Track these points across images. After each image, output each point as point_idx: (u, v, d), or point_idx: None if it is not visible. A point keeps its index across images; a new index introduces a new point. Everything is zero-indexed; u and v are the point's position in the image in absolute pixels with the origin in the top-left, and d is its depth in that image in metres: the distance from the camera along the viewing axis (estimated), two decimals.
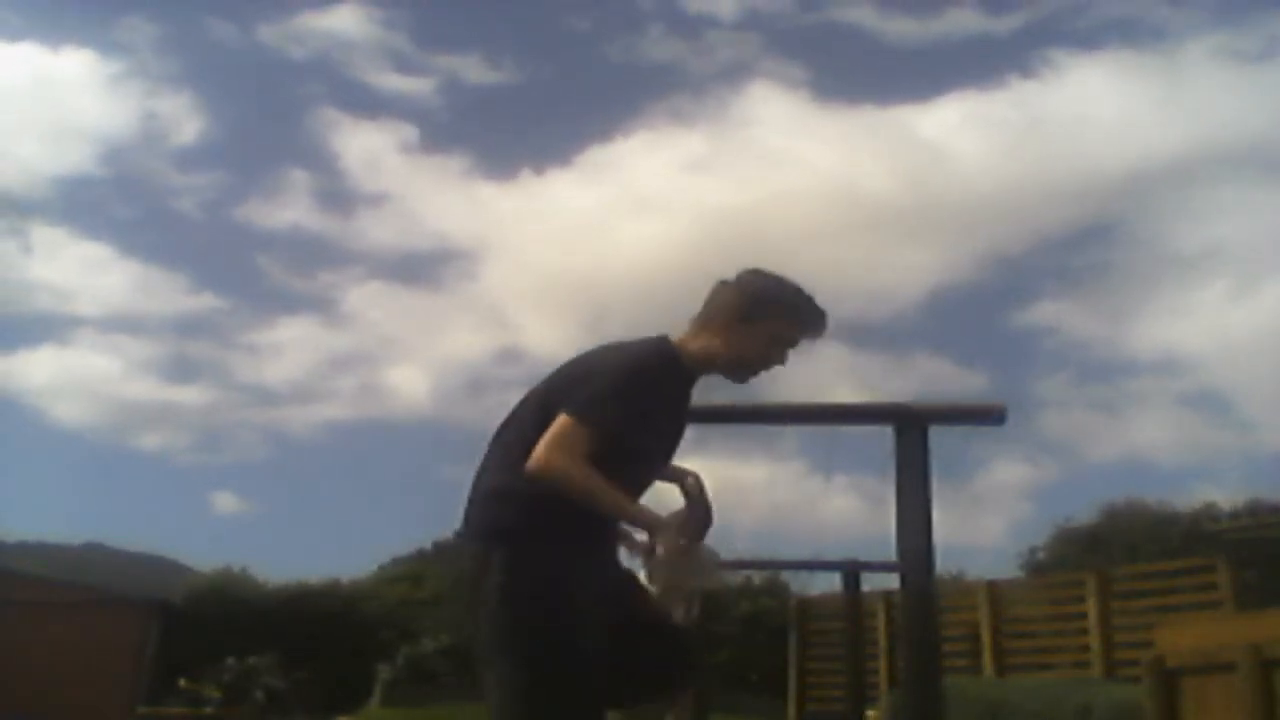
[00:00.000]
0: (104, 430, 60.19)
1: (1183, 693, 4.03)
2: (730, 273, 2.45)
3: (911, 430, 2.67)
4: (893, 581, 4.64)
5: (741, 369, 2.40)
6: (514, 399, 2.39)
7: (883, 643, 10.13)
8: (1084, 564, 14.49)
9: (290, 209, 58.98)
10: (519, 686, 2.13)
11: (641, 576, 2.35)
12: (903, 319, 46.85)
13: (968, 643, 9.77)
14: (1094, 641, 8.61)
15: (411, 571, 25.69)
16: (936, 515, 2.62)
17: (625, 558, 2.45)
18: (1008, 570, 21.28)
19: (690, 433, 2.50)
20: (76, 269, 59.16)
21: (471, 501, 2.32)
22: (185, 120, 62.95)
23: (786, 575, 19.79)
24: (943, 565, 2.69)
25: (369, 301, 54.05)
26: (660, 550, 2.16)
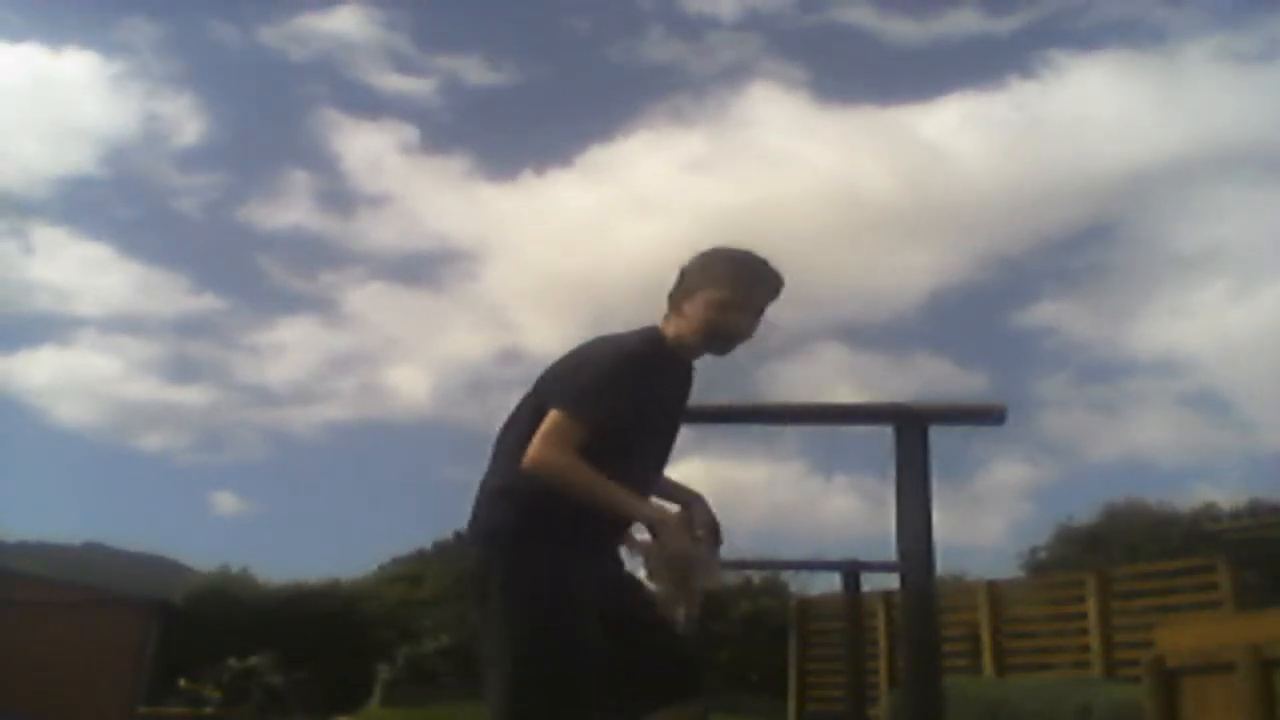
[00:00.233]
0: (104, 430, 60.25)
1: (1183, 693, 4.03)
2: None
3: (911, 430, 2.67)
4: (893, 581, 4.63)
5: (707, 342, 2.38)
6: (514, 399, 2.40)
7: (883, 643, 10.11)
8: (1084, 564, 14.48)
9: (291, 210, 58.99)
10: (517, 685, 2.14)
11: (642, 575, 2.35)
12: (903, 319, 46.86)
13: (968, 643, 9.76)
14: (1094, 641, 8.60)
15: (411, 571, 25.72)
16: (936, 515, 2.62)
17: (626, 557, 2.45)
18: (1008, 570, 21.31)
19: (690, 433, 2.50)
20: (77, 269, 59.22)
21: (477, 503, 2.34)
22: (186, 121, 63.01)
23: (786, 575, 19.88)
24: (943, 565, 2.69)
25: (370, 302, 54.06)
26: (662, 546, 2.15)
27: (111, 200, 63.92)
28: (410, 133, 69.46)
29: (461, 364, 54.02)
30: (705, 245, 2.45)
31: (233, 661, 18.42)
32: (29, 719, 14.69)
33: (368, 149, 59.57)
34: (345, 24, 66.37)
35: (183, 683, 17.93)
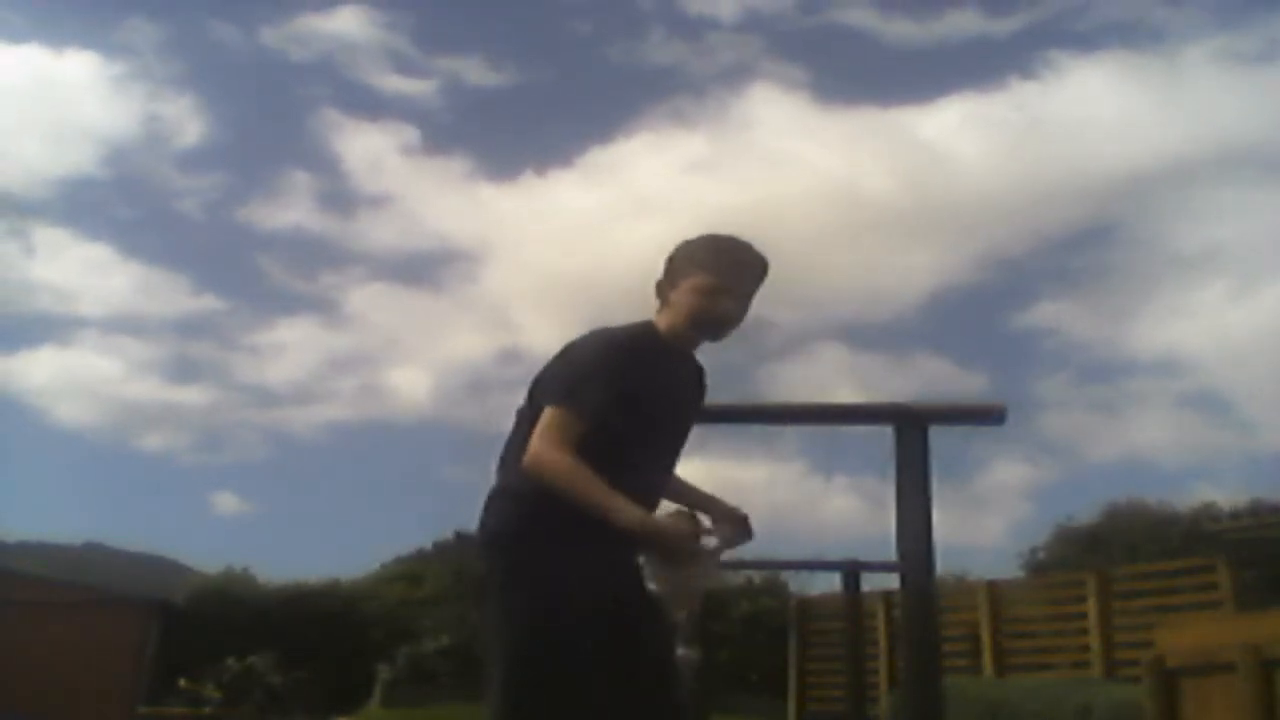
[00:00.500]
0: (105, 431, 60.11)
1: (1183, 693, 4.03)
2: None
3: (911, 430, 2.67)
4: (893, 581, 4.64)
5: (696, 328, 2.37)
6: (514, 399, 2.41)
7: (883, 643, 10.12)
8: (1084, 564, 14.45)
9: (292, 210, 58.83)
10: (516, 686, 2.14)
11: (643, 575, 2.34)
12: (903, 319, 46.75)
13: (968, 643, 9.76)
14: (1094, 641, 8.61)
15: (411, 571, 25.66)
16: (936, 515, 2.62)
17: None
18: (1008, 570, 21.25)
19: (690, 432, 2.49)
20: (78, 270, 59.05)
21: (484, 506, 2.34)
22: (187, 122, 62.78)
23: (786, 575, 19.83)
24: (943, 565, 2.69)
25: (370, 302, 53.92)
26: (661, 550, 2.15)
27: (112, 201, 63.79)
28: (411, 133, 69.27)
29: (462, 364, 53.97)
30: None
31: (233, 661, 18.40)
32: (29, 719, 14.69)
33: (368, 149, 59.45)
34: (346, 25, 66.20)
35: (183, 683, 17.91)
